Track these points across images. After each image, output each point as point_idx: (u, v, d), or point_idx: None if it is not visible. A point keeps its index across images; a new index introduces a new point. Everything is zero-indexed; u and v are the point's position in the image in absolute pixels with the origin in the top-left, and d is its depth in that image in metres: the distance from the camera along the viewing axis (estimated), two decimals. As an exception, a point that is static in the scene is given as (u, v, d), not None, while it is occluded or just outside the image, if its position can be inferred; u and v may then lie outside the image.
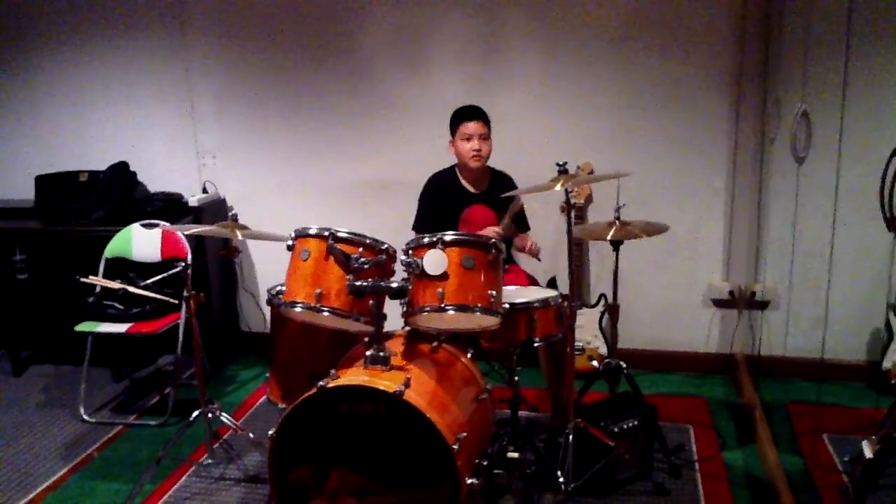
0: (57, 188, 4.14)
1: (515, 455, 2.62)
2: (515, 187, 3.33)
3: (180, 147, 4.22)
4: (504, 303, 2.49)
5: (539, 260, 3.29)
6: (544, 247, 3.39)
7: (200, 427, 2.98)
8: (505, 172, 3.41)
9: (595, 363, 3.33)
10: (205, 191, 4.15)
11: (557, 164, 2.51)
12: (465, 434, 2.25)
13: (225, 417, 2.99)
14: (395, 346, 2.52)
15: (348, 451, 2.26)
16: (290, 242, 2.47)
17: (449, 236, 2.37)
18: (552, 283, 3.73)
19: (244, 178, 4.20)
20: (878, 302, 2.96)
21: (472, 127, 3.21)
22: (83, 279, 3.19)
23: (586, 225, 3.52)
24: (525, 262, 3.57)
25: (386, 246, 2.46)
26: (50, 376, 4.10)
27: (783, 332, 3.01)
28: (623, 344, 3.69)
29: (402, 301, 2.40)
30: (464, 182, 3.36)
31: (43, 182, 4.17)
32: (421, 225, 3.37)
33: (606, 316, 3.75)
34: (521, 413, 3.04)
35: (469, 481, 2.20)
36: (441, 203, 3.34)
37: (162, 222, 3.67)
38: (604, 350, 3.72)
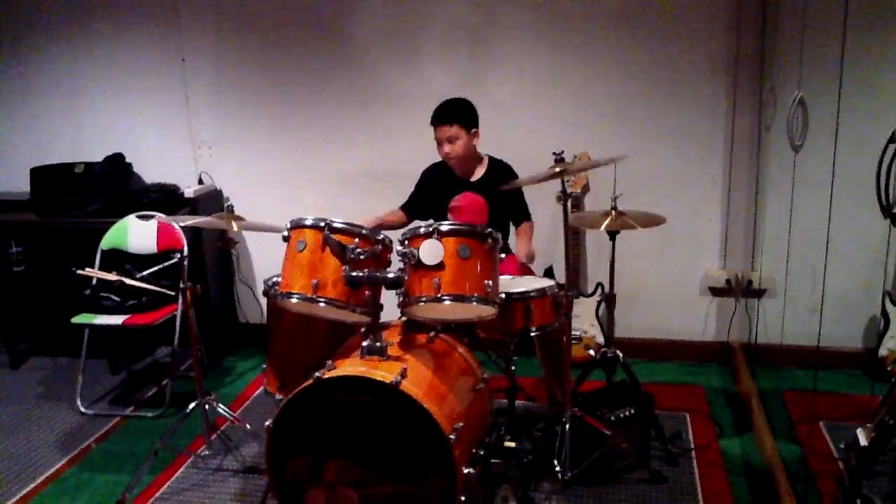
0: (52, 180, 4.13)
1: (512, 444, 2.62)
2: (515, 176, 3.33)
3: (176, 138, 4.20)
4: (500, 292, 2.49)
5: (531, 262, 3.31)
6: (541, 236, 3.41)
7: (198, 418, 2.98)
8: (505, 162, 3.41)
9: (592, 352, 3.33)
10: (201, 182, 4.13)
11: (554, 154, 2.51)
12: (461, 424, 2.25)
13: (222, 409, 3.00)
14: (392, 337, 2.53)
15: (345, 441, 2.26)
16: (285, 233, 2.46)
17: (445, 226, 2.37)
18: (549, 273, 3.73)
19: (240, 169, 4.18)
20: (874, 289, 2.96)
21: (438, 132, 3.25)
22: (79, 271, 3.18)
23: (583, 214, 3.51)
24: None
25: (382, 236, 2.45)
26: (47, 369, 4.10)
27: (780, 320, 3.01)
28: (620, 333, 3.70)
29: (399, 291, 2.39)
30: (458, 171, 3.36)
31: (38, 174, 4.15)
32: (408, 204, 3.47)
33: (603, 305, 3.75)
34: (518, 402, 3.04)
35: (466, 471, 2.21)
36: (434, 191, 3.37)
37: (158, 214, 3.66)
38: (601, 339, 3.72)
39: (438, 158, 3.38)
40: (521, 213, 3.44)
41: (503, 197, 3.25)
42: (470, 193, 3.29)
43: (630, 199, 2.91)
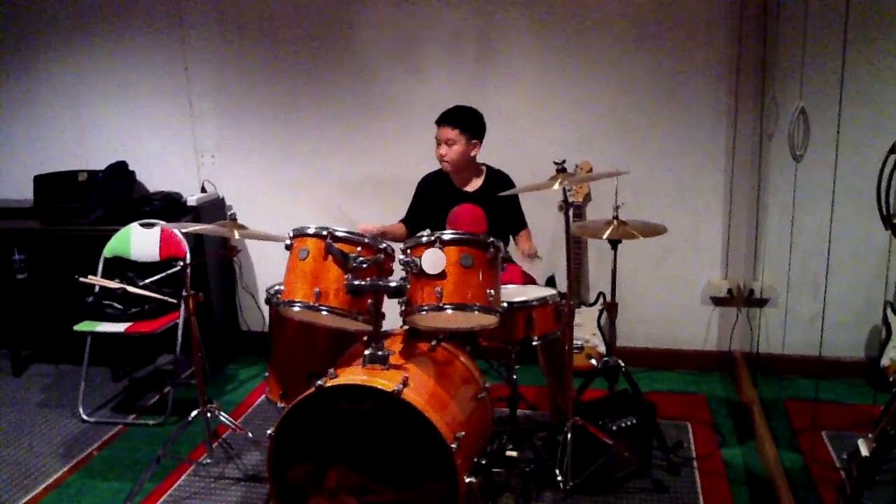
0: (55, 188, 4.14)
1: (514, 453, 2.63)
2: (513, 186, 3.33)
3: (179, 146, 4.21)
4: (502, 301, 2.49)
5: (539, 258, 3.29)
6: (543, 245, 3.41)
7: (199, 426, 2.98)
8: (502, 171, 3.41)
9: (594, 361, 3.33)
10: (203, 190, 4.14)
11: (555, 163, 2.52)
12: (463, 433, 2.25)
13: (223, 417, 3.00)
14: (394, 345, 2.53)
15: (347, 449, 2.27)
16: (288, 242, 2.47)
17: (447, 235, 2.37)
18: (551, 282, 3.73)
19: (243, 177, 4.19)
20: (875, 299, 2.96)
21: (439, 132, 3.26)
22: (82, 279, 3.19)
23: (585, 223, 3.52)
24: (523, 261, 3.57)
25: (384, 245, 2.46)
26: (50, 376, 4.10)
27: (781, 330, 3.01)
28: (622, 342, 3.70)
29: (401, 300, 2.40)
30: (455, 181, 3.36)
31: (41, 182, 4.17)
32: (407, 217, 3.47)
33: (605, 314, 3.75)
34: (520, 411, 3.04)
35: (468, 480, 2.21)
36: (432, 201, 3.38)
37: (160, 222, 3.67)
38: (602, 348, 3.72)
39: (439, 167, 3.39)
40: (518, 222, 3.44)
41: (501, 207, 3.26)
42: (468, 205, 3.29)
43: (632, 207, 2.92)
